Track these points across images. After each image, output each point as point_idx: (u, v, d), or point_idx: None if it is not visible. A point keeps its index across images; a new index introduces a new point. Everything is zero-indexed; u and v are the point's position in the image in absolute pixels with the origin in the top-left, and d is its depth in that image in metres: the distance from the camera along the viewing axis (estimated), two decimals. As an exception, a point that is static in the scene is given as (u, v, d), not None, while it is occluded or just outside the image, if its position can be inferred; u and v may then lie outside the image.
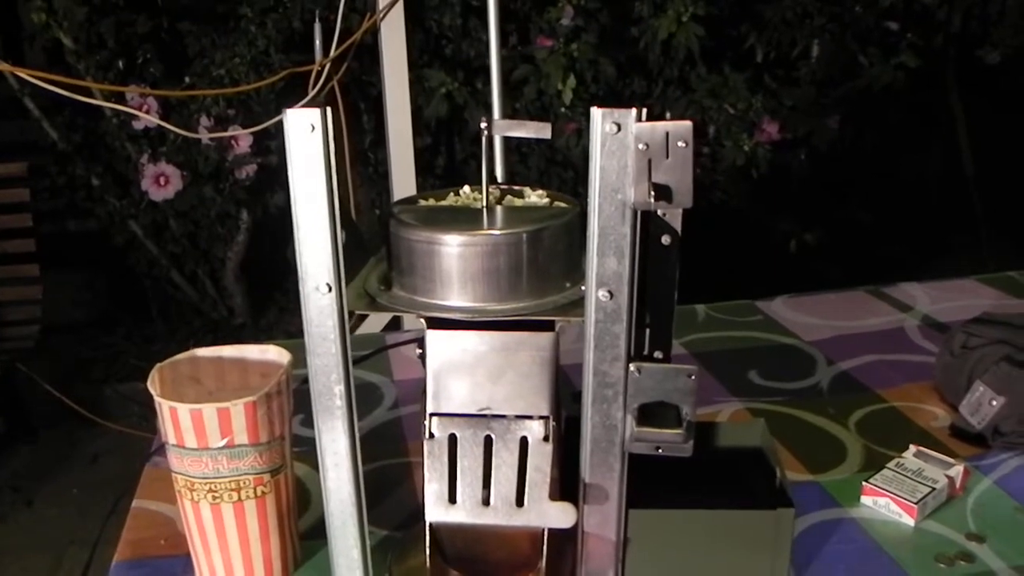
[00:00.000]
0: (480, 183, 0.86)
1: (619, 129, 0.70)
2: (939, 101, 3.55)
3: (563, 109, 2.92)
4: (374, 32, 2.27)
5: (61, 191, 3.40)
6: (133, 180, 3.17)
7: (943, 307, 1.55)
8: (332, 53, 2.18)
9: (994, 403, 1.11)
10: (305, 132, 0.72)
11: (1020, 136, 3.50)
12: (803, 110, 3.15)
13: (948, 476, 1.02)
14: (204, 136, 2.93)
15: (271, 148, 3.09)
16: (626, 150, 0.70)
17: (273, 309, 3.57)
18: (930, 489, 1.00)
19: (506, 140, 2.05)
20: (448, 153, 3.40)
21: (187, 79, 3.04)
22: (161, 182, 3.02)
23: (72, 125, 3.24)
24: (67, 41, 3.04)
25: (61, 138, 3.23)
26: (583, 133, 2.89)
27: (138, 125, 3.02)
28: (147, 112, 2.89)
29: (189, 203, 3.14)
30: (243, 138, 2.95)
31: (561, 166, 3.20)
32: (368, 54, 2.60)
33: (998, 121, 3.55)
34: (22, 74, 1.56)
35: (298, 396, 0.90)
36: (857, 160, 3.41)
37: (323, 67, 2.19)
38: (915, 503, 0.98)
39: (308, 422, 0.82)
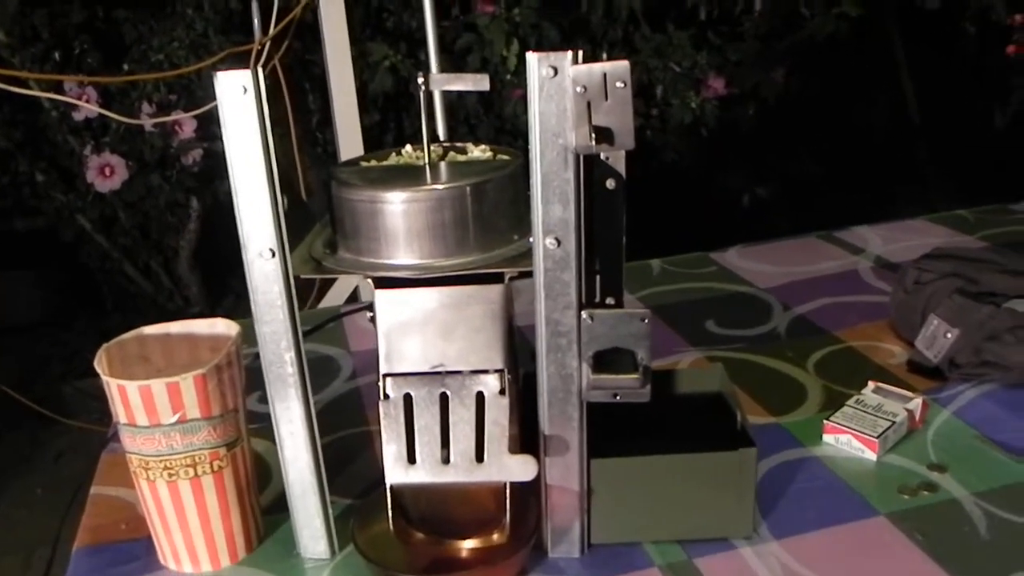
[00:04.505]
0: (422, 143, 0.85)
1: (556, 73, 0.69)
2: (882, 48, 3.57)
3: (508, 76, 2.91)
4: (314, 9, 2.24)
5: (6, 190, 3.33)
6: (78, 173, 3.11)
7: (895, 247, 1.56)
8: (271, 31, 2.15)
9: (948, 335, 1.12)
10: (238, 94, 0.71)
11: (961, 79, 3.53)
12: (748, 64, 3.16)
13: (907, 409, 1.02)
14: (146, 122, 2.88)
15: (216, 133, 3.05)
16: (564, 93, 0.69)
17: (229, 296, 3.53)
18: (890, 423, 1.00)
19: (453, 109, 2.03)
20: (397, 129, 3.38)
21: (126, 67, 2.99)
22: (107, 173, 2.97)
23: (11, 122, 3.18)
24: (0, 35, 2.98)
25: (1, 136, 3.17)
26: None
27: (79, 116, 2.96)
28: (87, 102, 2.84)
29: (137, 193, 3.10)
30: (187, 123, 2.91)
31: (511, 135, 3.18)
32: (310, 33, 2.57)
33: (940, 64, 3.58)
34: (-49, 66, 1.52)
35: (253, 374, 0.89)
36: (805, 112, 3.42)
37: (263, 46, 2.16)
38: (876, 437, 0.98)
39: (265, 399, 0.81)
